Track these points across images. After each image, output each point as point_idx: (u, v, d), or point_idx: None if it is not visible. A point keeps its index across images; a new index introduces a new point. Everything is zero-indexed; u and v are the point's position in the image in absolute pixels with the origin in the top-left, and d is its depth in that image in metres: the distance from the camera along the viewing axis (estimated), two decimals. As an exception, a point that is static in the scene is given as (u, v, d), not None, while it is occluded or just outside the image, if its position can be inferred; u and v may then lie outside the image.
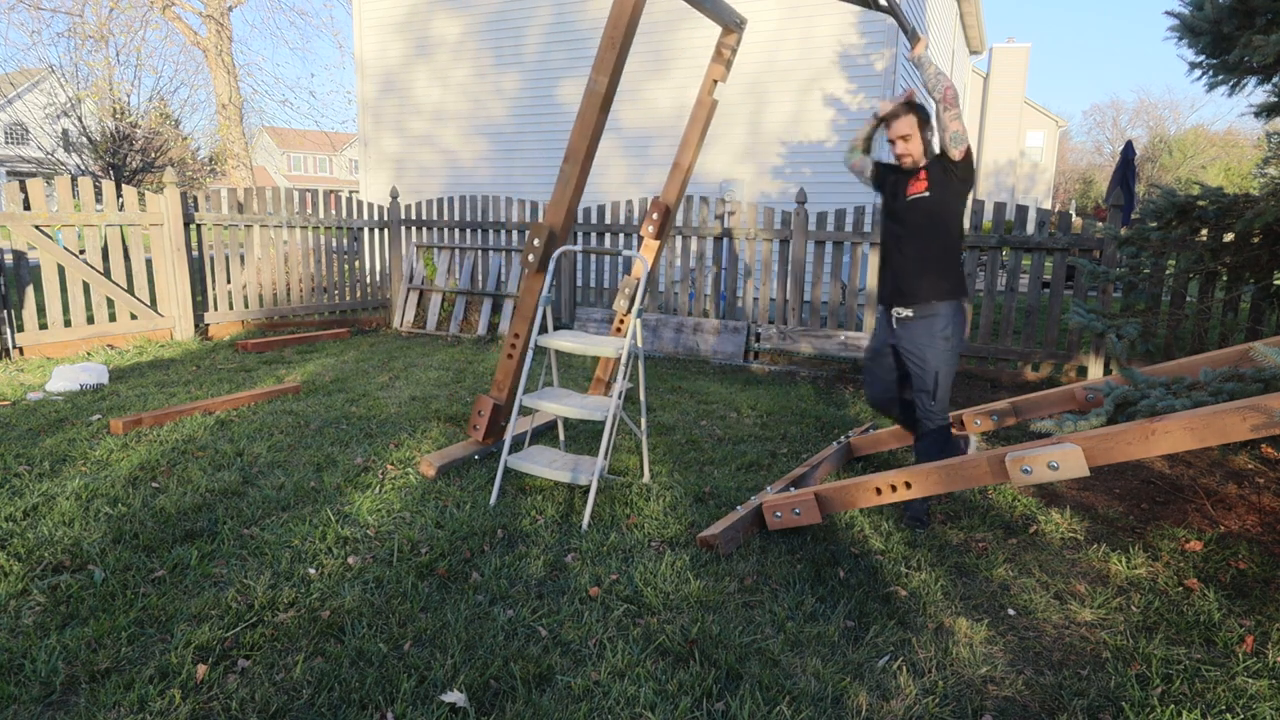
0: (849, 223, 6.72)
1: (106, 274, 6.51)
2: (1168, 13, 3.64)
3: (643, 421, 3.56)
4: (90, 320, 6.90)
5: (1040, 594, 2.65)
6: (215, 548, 2.78)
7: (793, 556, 2.86)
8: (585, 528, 3.05)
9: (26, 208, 5.98)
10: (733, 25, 4.14)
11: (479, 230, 8.33)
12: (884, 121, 3.15)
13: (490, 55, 11.48)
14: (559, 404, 3.30)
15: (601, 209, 7.75)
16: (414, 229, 8.76)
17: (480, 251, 8.28)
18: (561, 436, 3.95)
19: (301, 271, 8.00)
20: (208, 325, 7.25)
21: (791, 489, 3.30)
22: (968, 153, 3.01)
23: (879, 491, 2.87)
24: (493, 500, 3.28)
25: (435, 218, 8.58)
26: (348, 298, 8.52)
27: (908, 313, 3.16)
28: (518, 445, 4.03)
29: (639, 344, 3.40)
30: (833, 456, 3.88)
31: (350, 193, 9.69)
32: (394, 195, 8.75)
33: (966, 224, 6.17)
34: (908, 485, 2.81)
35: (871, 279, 6.56)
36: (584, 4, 10.69)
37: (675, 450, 4.14)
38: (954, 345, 3.12)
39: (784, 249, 6.86)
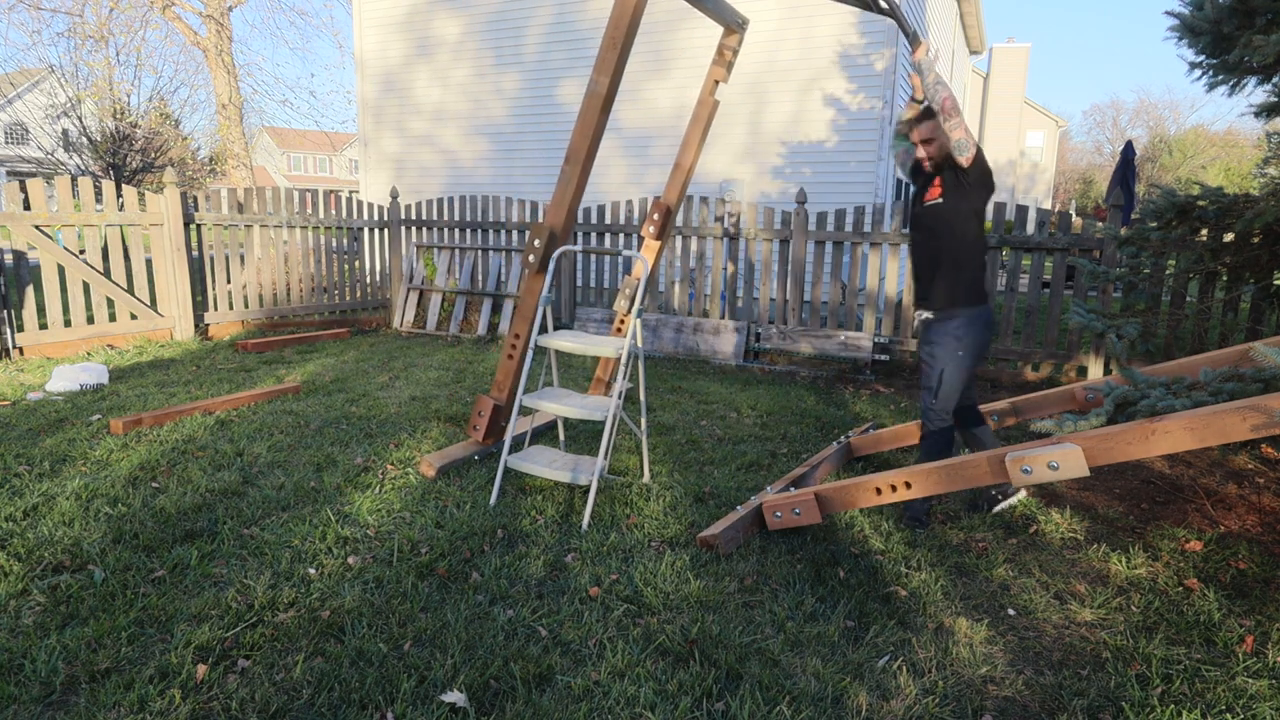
0: (849, 223, 6.72)
1: (106, 274, 6.51)
2: (1168, 13, 3.64)
3: (643, 421, 3.56)
4: (90, 320, 6.90)
5: (1040, 594, 2.65)
6: (215, 548, 2.78)
7: (793, 556, 2.86)
8: (585, 528, 3.05)
9: (26, 208, 5.98)
10: (735, 26, 4.14)
11: (479, 230, 8.33)
12: (910, 124, 3.17)
13: (490, 55, 11.48)
14: (559, 404, 3.30)
15: (601, 209, 7.75)
16: (414, 229, 8.76)
17: (480, 251, 8.28)
18: (561, 436, 3.95)
19: (301, 271, 8.00)
20: (208, 325, 7.25)
21: (791, 489, 3.30)
22: (976, 158, 3.01)
23: (879, 491, 2.87)
24: (493, 500, 3.28)
25: (435, 218, 8.58)
26: (348, 298, 8.52)
27: (928, 314, 3.21)
28: (518, 445, 4.03)
29: (639, 344, 3.40)
30: (833, 456, 3.88)
31: (350, 193, 9.69)
32: (394, 195, 8.75)
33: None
34: (908, 485, 2.81)
35: (872, 279, 6.56)
36: (584, 4, 10.69)
37: (675, 450, 4.14)
38: (967, 349, 3.11)
39: (784, 249, 6.86)
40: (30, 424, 4.20)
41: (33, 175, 16.41)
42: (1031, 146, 33.30)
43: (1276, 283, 4.12)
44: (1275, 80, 3.54)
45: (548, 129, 11.19)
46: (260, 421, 4.36)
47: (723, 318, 7.23)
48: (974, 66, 25.19)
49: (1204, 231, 4.16)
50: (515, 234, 8.16)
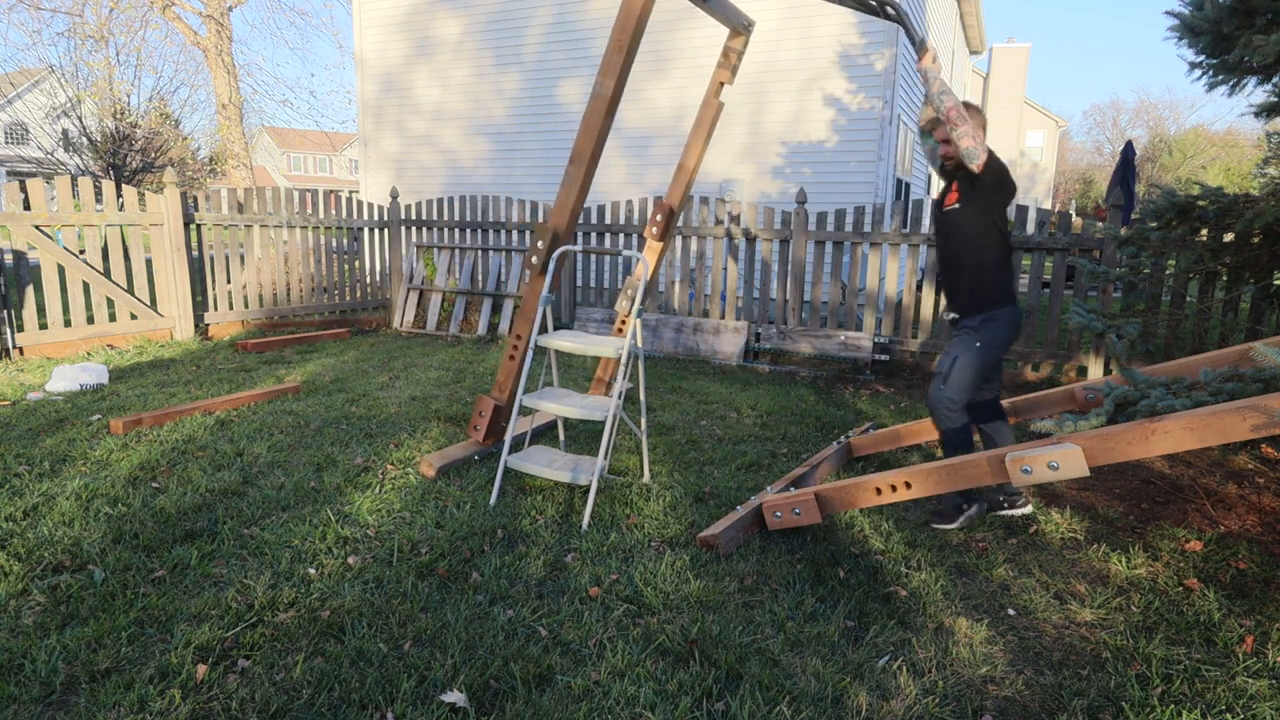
0: (849, 223, 6.72)
1: (106, 274, 6.51)
2: (1168, 13, 3.64)
3: (643, 421, 3.56)
4: (90, 320, 6.90)
5: (1040, 594, 2.65)
6: (215, 548, 2.78)
7: (793, 556, 2.86)
8: (585, 528, 3.05)
9: (26, 208, 5.98)
10: (740, 28, 4.12)
11: (479, 230, 8.33)
12: (933, 123, 3.16)
13: (490, 55, 11.48)
14: (559, 404, 3.30)
15: (601, 209, 7.75)
16: (414, 229, 8.76)
17: (480, 251, 8.28)
18: (561, 436, 3.95)
19: (301, 271, 8.00)
20: (208, 325, 7.25)
21: (791, 489, 3.30)
22: (988, 164, 2.99)
23: (879, 491, 2.87)
24: (493, 500, 3.28)
25: (435, 218, 8.58)
26: (348, 298, 8.52)
27: (954, 315, 3.23)
28: (518, 445, 4.03)
29: (639, 344, 3.40)
30: (833, 456, 3.88)
31: (350, 193, 9.69)
32: (394, 195, 8.75)
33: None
34: (908, 485, 2.81)
35: (872, 279, 6.56)
36: (584, 4, 10.69)
37: (675, 450, 4.14)
38: (984, 342, 3.11)
39: (784, 249, 6.86)
40: (30, 424, 4.20)
41: (33, 175, 16.43)
42: (1031, 146, 33.31)
43: (1276, 283, 4.12)
44: (1275, 80, 3.54)
45: (548, 129, 11.19)
46: (260, 421, 4.36)
47: (723, 318, 7.23)
48: (974, 66, 25.18)
49: (1204, 231, 4.16)
50: (515, 234, 8.16)
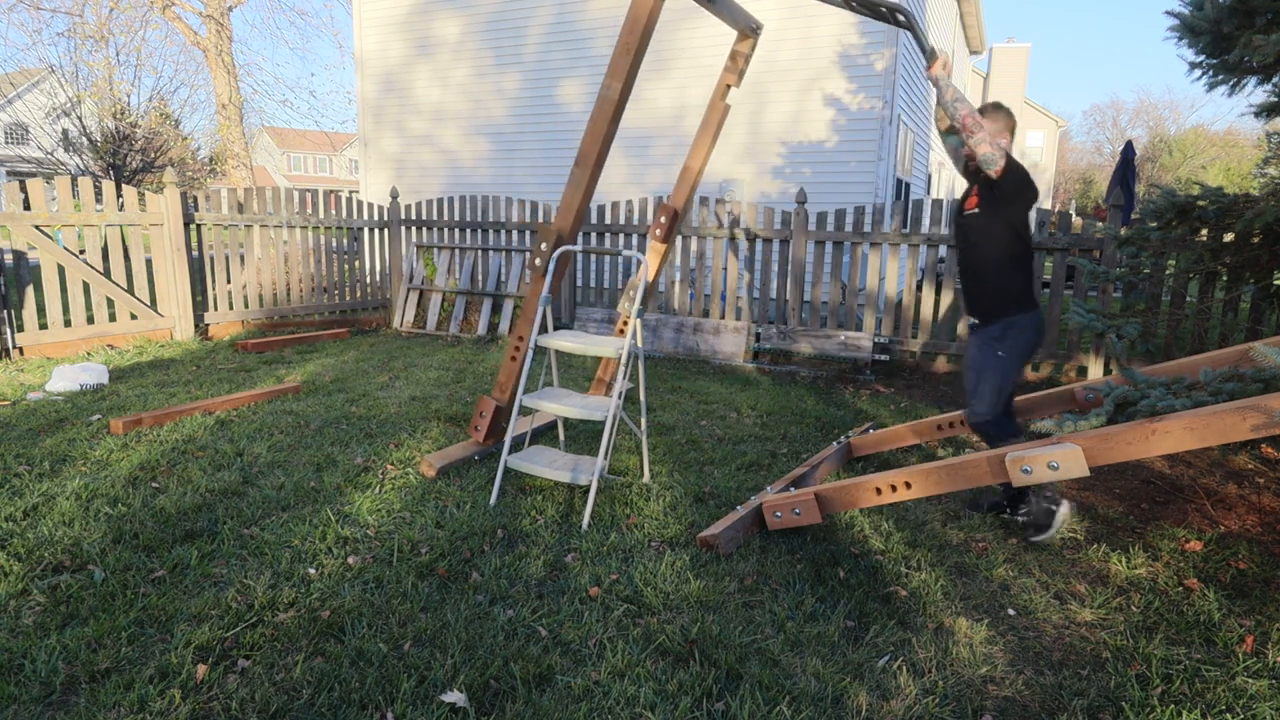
0: (849, 223, 6.72)
1: (106, 274, 6.51)
2: (1168, 13, 3.64)
3: (643, 421, 3.56)
4: (90, 320, 6.90)
5: (1040, 594, 2.65)
6: (215, 548, 2.78)
7: (793, 556, 2.86)
8: (585, 528, 3.05)
9: (26, 208, 5.98)
10: (748, 30, 4.10)
11: (479, 230, 8.33)
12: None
13: (490, 55, 11.49)
14: (559, 404, 3.30)
15: (601, 209, 7.75)
16: (414, 229, 8.76)
17: (480, 251, 8.28)
18: (561, 436, 3.95)
19: (302, 271, 8.00)
20: (208, 325, 7.25)
21: (791, 489, 3.30)
22: (1007, 169, 2.93)
23: (879, 491, 2.87)
24: (493, 500, 3.28)
25: (435, 218, 8.58)
26: (348, 298, 8.52)
27: (975, 322, 3.18)
28: (518, 445, 4.03)
29: (639, 344, 3.40)
30: (833, 456, 3.88)
31: (350, 193, 9.69)
32: (394, 195, 8.75)
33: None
34: (908, 485, 2.81)
35: (872, 279, 6.56)
36: (584, 4, 10.69)
37: (675, 450, 4.14)
38: (1008, 351, 3.04)
39: (784, 249, 6.86)
40: (30, 424, 4.20)
41: (33, 175, 16.42)
42: (1031, 146, 33.32)
43: (1276, 283, 4.12)
44: (1275, 80, 3.54)
45: (548, 129, 11.19)
46: (260, 421, 4.36)
47: (723, 318, 7.23)
48: (974, 66, 25.19)
49: (1204, 231, 4.16)
50: (515, 234, 8.16)
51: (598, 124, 3.45)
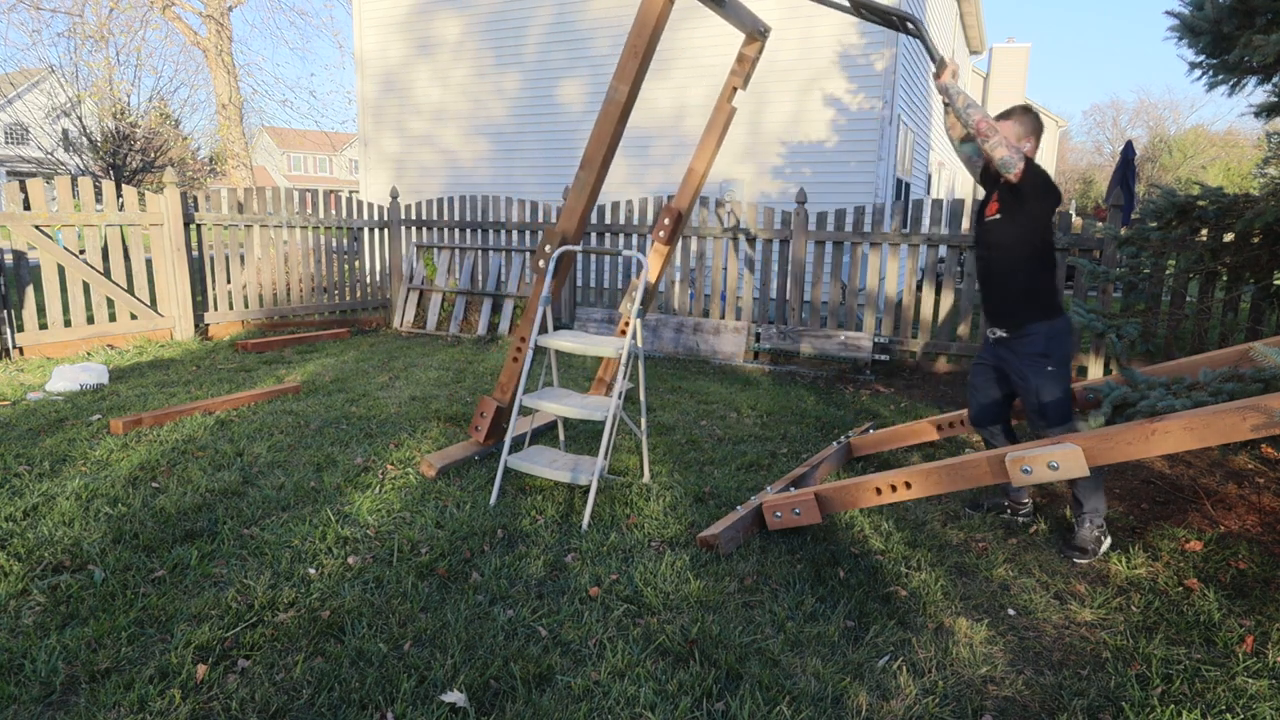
0: (849, 223, 6.72)
1: (106, 274, 6.51)
2: (1168, 13, 3.64)
3: (643, 421, 3.56)
4: (90, 320, 6.90)
5: (1040, 594, 2.65)
6: (215, 548, 2.78)
7: (793, 556, 2.86)
8: (585, 528, 3.05)
9: (26, 208, 5.98)
10: (756, 33, 4.09)
11: (479, 230, 8.33)
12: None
13: (490, 55, 11.49)
14: (559, 404, 3.30)
15: (601, 209, 7.75)
16: (414, 229, 8.76)
17: (480, 251, 8.29)
18: (561, 436, 3.95)
19: (302, 271, 8.00)
20: (208, 325, 7.25)
21: (791, 489, 3.30)
22: (1026, 172, 2.84)
23: (879, 491, 2.87)
24: (493, 500, 3.28)
25: (435, 218, 8.58)
26: (348, 298, 8.52)
27: (1001, 333, 3.09)
28: (518, 445, 4.03)
29: (639, 344, 3.40)
30: (833, 456, 3.88)
31: (350, 193, 9.69)
32: (394, 195, 8.75)
33: (965, 224, 6.17)
34: (908, 485, 2.81)
35: (872, 279, 6.56)
36: (584, 4, 10.69)
37: (675, 450, 4.14)
38: (1055, 363, 2.97)
39: (784, 249, 6.86)
40: (30, 424, 4.20)
41: (33, 175, 16.44)
42: (1031, 146, 33.20)
43: (1276, 283, 4.12)
44: (1275, 80, 3.54)
45: (548, 129, 11.19)
46: (260, 421, 4.36)
47: (723, 317, 7.23)
48: (974, 66, 25.18)
49: (1204, 231, 4.16)
50: (515, 234, 8.16)
51: (604, 127, 3.42)
